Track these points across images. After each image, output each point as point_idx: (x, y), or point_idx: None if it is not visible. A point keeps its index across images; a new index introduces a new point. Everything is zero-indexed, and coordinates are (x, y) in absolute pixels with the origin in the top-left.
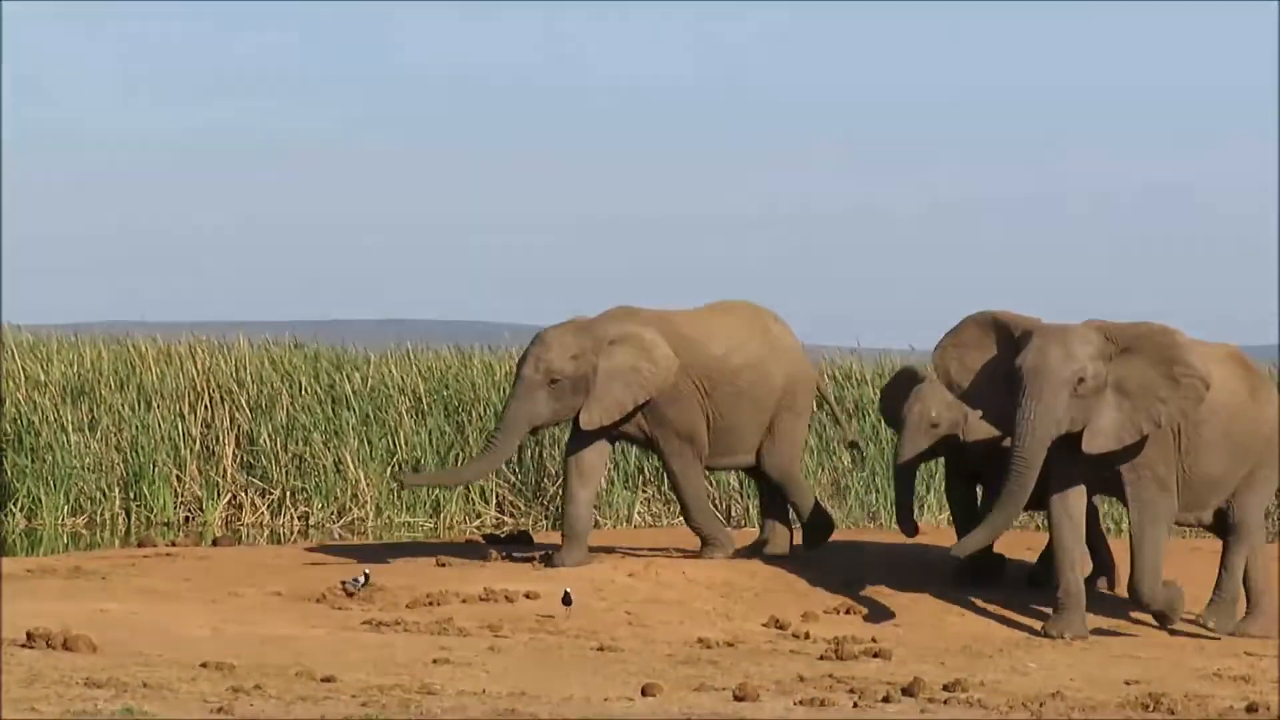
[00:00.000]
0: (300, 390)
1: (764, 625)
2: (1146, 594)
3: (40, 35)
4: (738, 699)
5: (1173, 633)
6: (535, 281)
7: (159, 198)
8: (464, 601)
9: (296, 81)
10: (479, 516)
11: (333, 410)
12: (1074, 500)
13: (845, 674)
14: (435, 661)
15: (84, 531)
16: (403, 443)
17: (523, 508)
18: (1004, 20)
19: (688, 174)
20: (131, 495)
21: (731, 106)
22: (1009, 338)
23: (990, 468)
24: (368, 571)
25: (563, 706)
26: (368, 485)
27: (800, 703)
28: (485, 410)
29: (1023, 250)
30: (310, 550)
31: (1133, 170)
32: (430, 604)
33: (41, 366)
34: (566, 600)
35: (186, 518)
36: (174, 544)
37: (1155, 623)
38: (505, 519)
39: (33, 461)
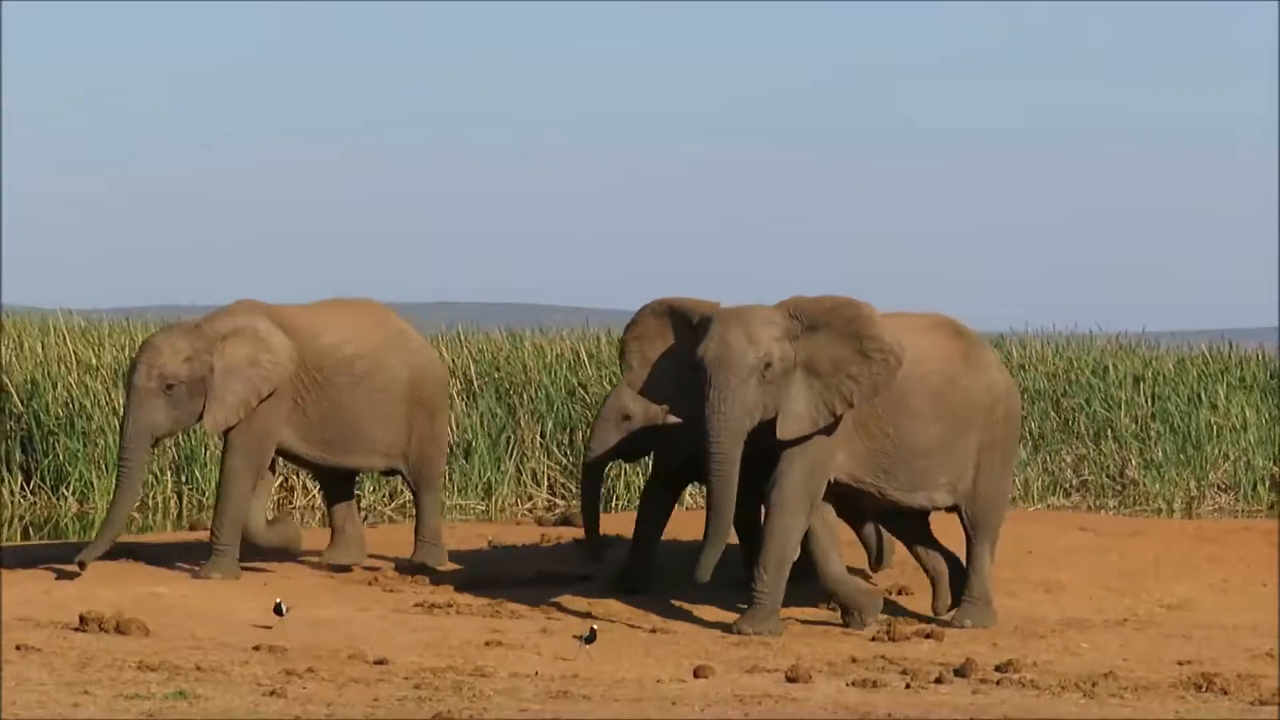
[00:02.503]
0: None
1: (816, 606)
2: (765, 584)
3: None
4: (790, 680)
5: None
6: (587, 264)
7: (206, 182)
8: (516, 584)
9: (330, 71)
10: (530, 499)
11: None
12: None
13: (897, 655)
14: (488, 644)
15: (136, 515)
16: (454, 425)
17: (574, 490)
18: None
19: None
20: (183, 478)
21: None
22: (687, 325)
23: (692, 466)
24: (279, 601)
25: (615, 689)
26: None
27: (852, 684)
28: (537, 392)
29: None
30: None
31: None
32: (482, 586)
33: (93, 350)
34: (278, 611)
35: None
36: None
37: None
38: (557, 501)
39: (84, 445)
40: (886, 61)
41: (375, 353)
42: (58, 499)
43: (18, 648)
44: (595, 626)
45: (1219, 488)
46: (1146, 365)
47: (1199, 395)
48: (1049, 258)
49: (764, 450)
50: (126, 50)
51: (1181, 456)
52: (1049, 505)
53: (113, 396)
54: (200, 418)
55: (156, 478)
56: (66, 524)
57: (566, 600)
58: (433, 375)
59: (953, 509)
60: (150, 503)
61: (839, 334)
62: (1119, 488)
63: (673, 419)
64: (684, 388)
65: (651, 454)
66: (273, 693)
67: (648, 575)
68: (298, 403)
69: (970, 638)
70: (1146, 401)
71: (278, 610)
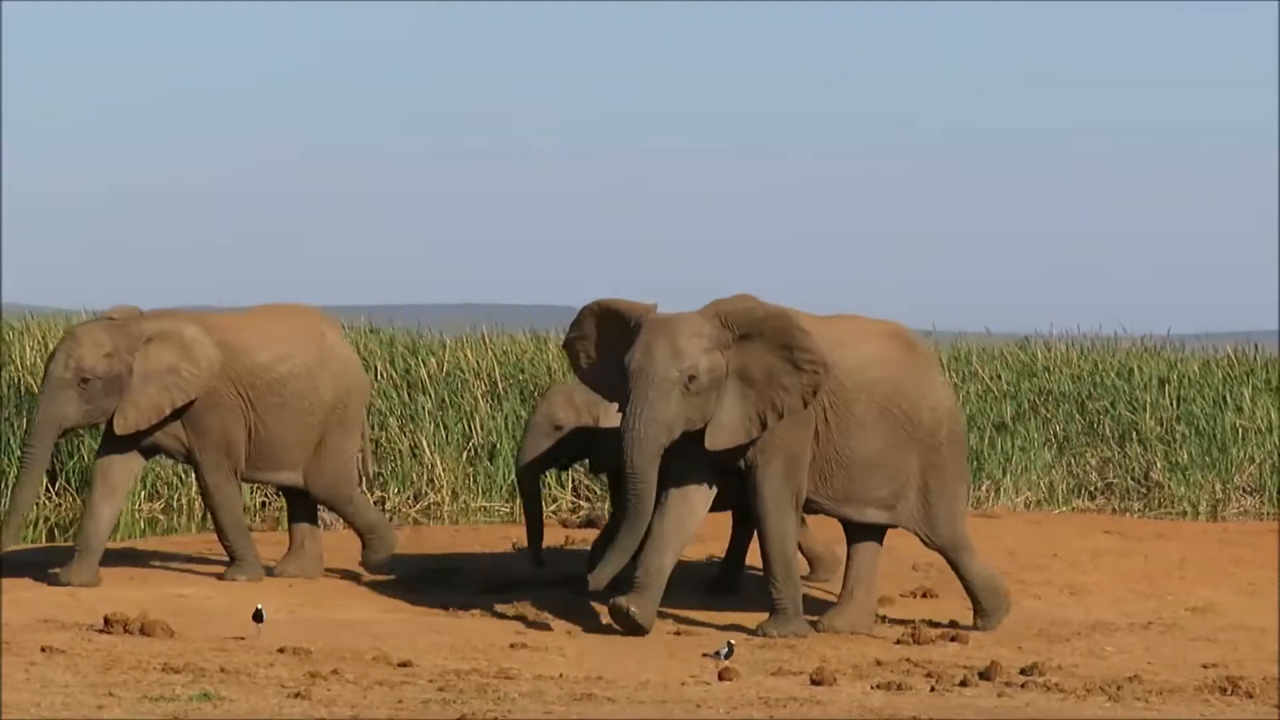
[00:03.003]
0: (376, 375)
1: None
2: (779, 588)
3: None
4: (815, 683)
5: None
6: (611, 266)
7: (234, 184)
8: (541, 586)
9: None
10: (555, 501)
11: (408, 395)
12: (691, 493)
13: (922, 658)
14: (512, 646)
15: (161, 517)
16: (478, 427)
17: (599, 492)
18: None
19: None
20: None
21: None
22: (624, 327)
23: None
24: (259, 608)
25: (640, 691)
26: (444, 470)
27: (877, 686)
28: None
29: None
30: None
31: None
32: (507, 589)
33: None
34: (258, 617)
35: (263, 503)
36: (250, 529)
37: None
38: (581, 503)
39: None
40: (899, 61)
41: (308, 373)
42: (83, 500)
43: (43, 649)
44: (732, 641)
45: (1244, 490)
46: (1172, 368)
47: (1224, 398)
48: (1071, 260)
49: (722, 462)
50: (141, 54)
51: (1207, 459)
52: (1074, 508)
53: None
54: (113, 416)
55: (181, 479)
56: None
57: (591, 602)
58: (356, 394)
59: (889, 526)
60: (175, 505)
61: (771, 344)
62: (1144, 490)
63: (605, 424)
64: (624, 388)
65: (587, 461)
66: (297, 695)
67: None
68: (242, 415)
69: (995, 641)
70: (1171, 404)
71: (257, 617)
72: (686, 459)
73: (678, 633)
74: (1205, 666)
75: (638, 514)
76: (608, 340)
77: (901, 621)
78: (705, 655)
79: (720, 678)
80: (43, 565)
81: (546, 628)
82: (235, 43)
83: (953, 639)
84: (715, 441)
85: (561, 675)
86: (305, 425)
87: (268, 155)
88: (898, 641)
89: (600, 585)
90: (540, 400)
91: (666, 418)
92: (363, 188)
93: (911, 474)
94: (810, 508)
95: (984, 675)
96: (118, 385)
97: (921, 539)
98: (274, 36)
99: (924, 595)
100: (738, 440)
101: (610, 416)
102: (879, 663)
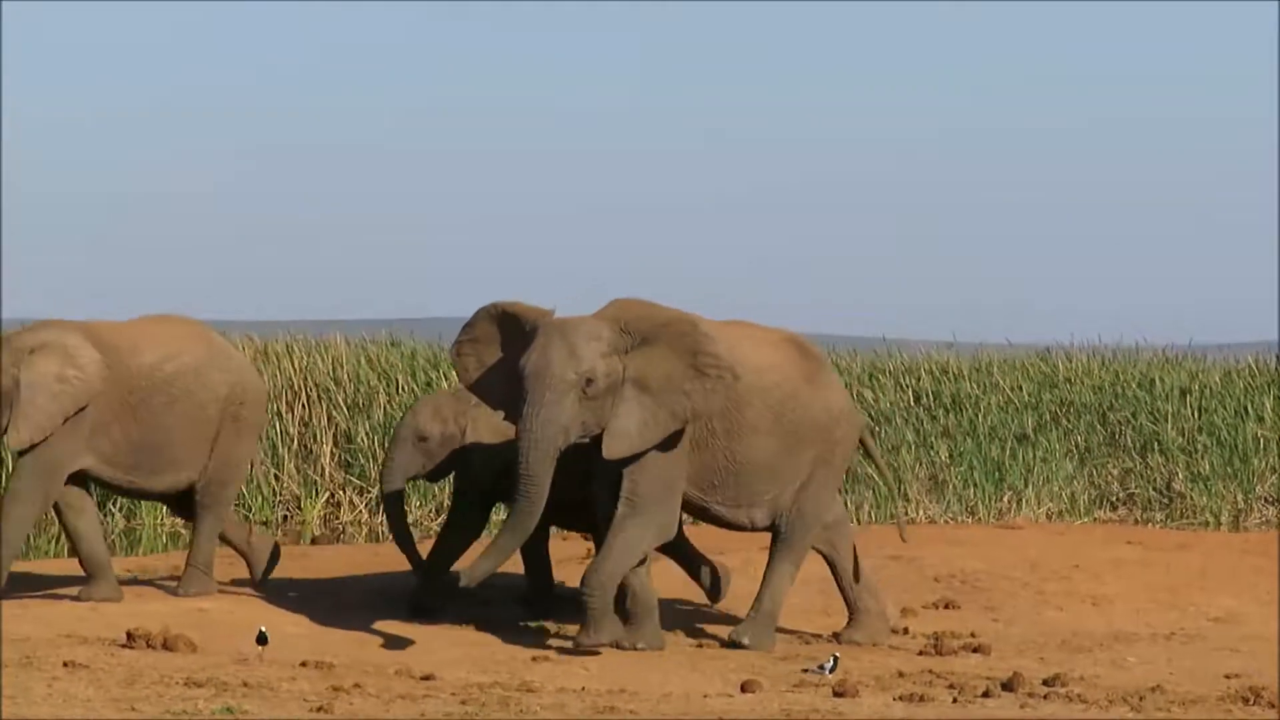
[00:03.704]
0: (397, 389)
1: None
2: (589, 584)
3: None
4: (837, 695)
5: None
6: (629, 275)
7: (250, 195)
8: (563, 598)
9: (379, 77)
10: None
11: None
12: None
13: (944, 669)
14: (535, 659)
15: (183, 531)
16: None
17: None
18: None
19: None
20: None
21: None
22: (520, 331)
23: (504, 484)
24: (263, 629)
25: (662, 703)
26: None
27: (899, 698)
28: None
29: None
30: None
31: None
32: (529, 601)
33: None
34: (261, 640)
35: (284, 516)
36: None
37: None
38: None
39: None
40: (900, 61)
41: (196, 370)
42: (105, 515)
43: (65, 664)
44: (837, 654)
45: (1266, 500)
46: (1193, 378)
47: (1246, 408)
48: (1091, 271)
49: (608, 467)
50: (140, 54)
51: (1228, 469)
52: (1096, 519)
53: None
54: (4, 433)
55: None
56: (114, 540)
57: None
58: (253, 394)
59: (769, 528)
60: None
61: (673, 349)
62: (1166, 501)
63: (472, 438)
64: (515, 396)
65: (454, 474)
66: (319, 709)
67: (439, 592)
68: (101, 426)
69: (1017, 651)
70: (1193, 414)
71: (261, 639)
72: (605, 474)
73: (700, 645)
74: (1228, 677)
75: (527, 516)
76: (502, 345)
77: (924, 633)
78: (806, 670)
79: (743, 689)
80: (63, 580)
81: (569, 640)
82: (235, 43)
83: (975, 650)
84: (611, 450)
85: (584, 688)
86: (198, 422)
87: (273, 159)
88: (920, 652)
89: (473, 583)
90: (408, 412)
91: (563, 420)
92: (380, 196)
93: (802, 470)
94: (704, 514)
95: (1006, 686)
96: (6, 403)
97: (774, 526)
98: (274, 37)
99: (946, 606)
100: (636, 448)
101: (478, 430)
102: (901, 674)
